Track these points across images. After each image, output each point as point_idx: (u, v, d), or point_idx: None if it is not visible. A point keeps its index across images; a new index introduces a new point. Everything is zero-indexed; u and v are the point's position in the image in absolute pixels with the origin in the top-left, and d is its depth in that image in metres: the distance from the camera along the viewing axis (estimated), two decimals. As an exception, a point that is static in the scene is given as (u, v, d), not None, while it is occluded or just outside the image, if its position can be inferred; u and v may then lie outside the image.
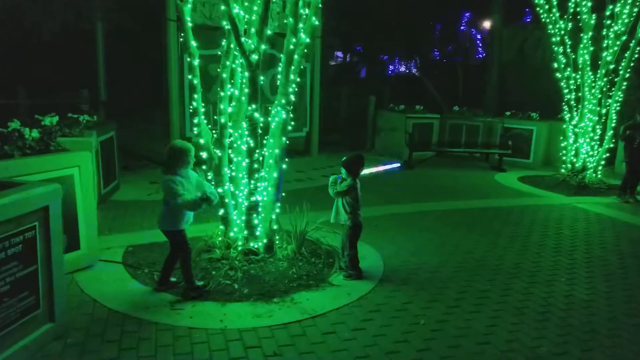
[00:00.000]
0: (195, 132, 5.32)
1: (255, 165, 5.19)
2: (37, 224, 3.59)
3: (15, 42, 12.85)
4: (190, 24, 5.05)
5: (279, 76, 5.28)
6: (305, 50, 5.38)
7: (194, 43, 5.12)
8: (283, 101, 5.28)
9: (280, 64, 5.18)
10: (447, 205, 8.50)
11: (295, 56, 5.25)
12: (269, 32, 4.99)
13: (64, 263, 3.90)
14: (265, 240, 5.53)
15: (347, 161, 5.26)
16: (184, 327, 4.17)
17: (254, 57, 4.81)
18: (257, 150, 5.19)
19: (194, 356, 3.78)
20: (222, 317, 4.36)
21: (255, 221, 5.36)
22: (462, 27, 28.62)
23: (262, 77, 5.21)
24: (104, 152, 7.94)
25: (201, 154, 5.38)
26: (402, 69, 28.52)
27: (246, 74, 4.93)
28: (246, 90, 5.01)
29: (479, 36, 28.35)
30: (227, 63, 5.13)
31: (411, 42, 19.92)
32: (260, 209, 5.41)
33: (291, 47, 5.12)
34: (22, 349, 3.54)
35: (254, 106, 5.02)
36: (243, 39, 4.71)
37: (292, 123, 11.70)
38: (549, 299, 4.98)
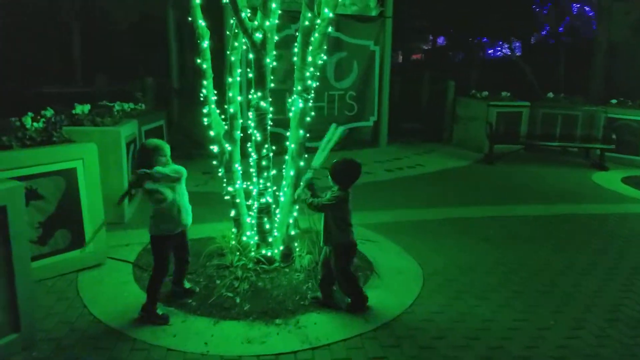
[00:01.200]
0: (206, 123, 4.73)
1: (264, 162, 4.51)
2: (-14, 227, 3.20)
3: (96, 31, 13.24)
4: (198, 1, 4.44)
5: (309, 59, 4.46)
6: (330, 28, 4.56)
7: (202, 22, 4.51)
8: (299, 87, 4.54)
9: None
10: (523, 209, 7.27)
11: (316, 34, 4.46)
12: (273, 5, 4.21)
13: (29, 269, 3.50)
14: (281, 247, 4.87)
15: (336, 168, 4.10)
16: (162, 348, 3.65)
17: (258, 35, 4.09)
18: (266, 145, 4.49)
19: (156, 389, 3.23)
20: (208, 338, 3.77)
21: (267, 226, 4.70)
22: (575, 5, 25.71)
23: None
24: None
25: (211, 147, 4.80)
26: (503, 52, 26.30)
27: (250, 55, 4.23)
28: (250, 75, 4.31)
29: (592, 14, 25.33)
30: (236, 44, 4.47)
31: (509, 22, 18.02)
32: (272, 212, 4.73)
33: (306, 23, 4.34)
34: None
35: (259, 93, 4.32)
36: (244, 14, 4.00)
37: (355, 111, 11.35)
38: (635, 346, 3.83)
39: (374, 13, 11.63)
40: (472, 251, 5.61)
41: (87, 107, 6.23)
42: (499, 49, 26.52)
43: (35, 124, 4.59)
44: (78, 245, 4.75)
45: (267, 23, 4.13)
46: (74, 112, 6.12)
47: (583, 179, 9.32)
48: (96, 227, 4.78)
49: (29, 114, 5.03)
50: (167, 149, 3.86)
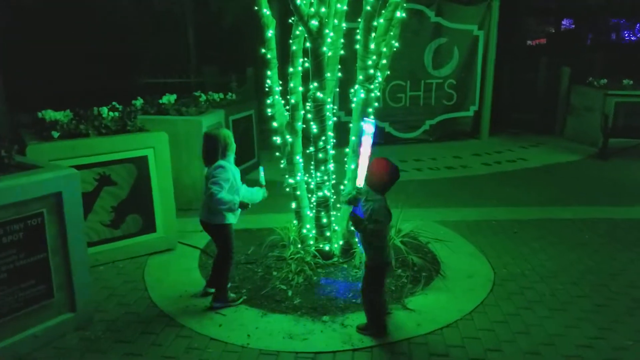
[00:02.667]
0: (270, 114, 4.70)
1: (320, 155, 4.37)
2: (44, 210, 3.43)
3: (203, 25, 13.91)
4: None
5: (371, 46, 4.21)
6: (399, 13, 4.27)
7: (267, 11, 4.46)
8: (361, 77, 4.31)
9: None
10: (633, 212, 6.38)
11: (381, 20, 4.21)
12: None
13: (85, 253, 3.73)
14: (341, 242, 4.72)
15: (370, 171, 3.50)
16: (206, 337, 3.70)
17: (314, 23, 3.94)
18: (323, 138, 4.34)
19: (189, 376, 3.27)
20: (252, 331, 3.76)
21: (325, 220, 4.57)
22: None
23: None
24: (237, 130, 7.89)
25: (275, 138, 4.76)
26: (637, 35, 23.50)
27: (307, 44, 4.09)
28: (306, 64, 4.18)
29: None
30: (297, 33, 4.35)
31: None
32: (330, 206, 4.59)
33: (368, 8, 4.09)
34: (29, 337, 3.46)
35: (316, 84, 4.17)
36: (299, 0, 3.86)
37: (453, 100, 10.68)
38: None
39: (480, -5, 10.90)
40: (560, 257, 5.03)
41: (173, 97, 6.53)
42: (639, 32, 23.71)
43: (111, 113, 4.86)
44: (149, 230, 4.99)
45: (323, 9, 3.96)
46: (160, 101, 6.45)
47: None
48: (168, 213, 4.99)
49: (114, 103, 5.38)
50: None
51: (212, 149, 3.85)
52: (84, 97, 6.50)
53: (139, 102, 6.49)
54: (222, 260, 4.06)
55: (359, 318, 3.87)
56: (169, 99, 6.48)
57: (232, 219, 4.00)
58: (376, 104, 4.68)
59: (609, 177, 8.10)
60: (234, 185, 3.87)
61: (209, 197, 3.77)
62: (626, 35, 24.18)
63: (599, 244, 5.34)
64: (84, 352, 3.50)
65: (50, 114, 4.73)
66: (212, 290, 4.15)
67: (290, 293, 4.22)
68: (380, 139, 10.44)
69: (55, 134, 4.49)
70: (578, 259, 4.99)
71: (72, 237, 3.58)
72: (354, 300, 4.13)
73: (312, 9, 3.95)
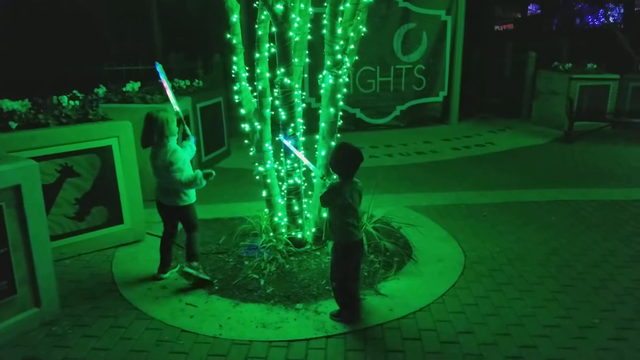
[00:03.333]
0: (237, 100, 4.62)
1: (290, 142, 4.31)
2: (3, 204, 3.29)
3: (167, 11, 13.59)
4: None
5: (338, 31, 4.16)
6: (365, -4, 4.23)
7: (230, -5, 4.36)
8: (329, 62, 4.26)
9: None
10: (597, 194, 6.53)
11: (347, 4, 4.16)
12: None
13: (48, 245, 3.60)
14: (313, 230, 4.70)
15: (332, 155, 3.59)
16: (177, 329, 3.64)
17: (279, 7, 3.86)
18: (292, 124, 4.29)
19: (160, 369, 3.21)
20: (224, 321, 3.71)
21: (296, 207, 4.53)
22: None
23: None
24: (205, 118, 7.77)
25: (243, 126, 4.68)
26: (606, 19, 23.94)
27: (273, 29, 4.01)
28: (273, 50, 4.11)
29: None
30: (263, 17, 4.26)
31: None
32: (301, 193, 4.56)
33: (334, -8, 4.04)
34: (-9, 334, 3.34)
35: (283, 69, 4.10)
36: (263, -16, 3.78)
37: (423, 85, 10.73)
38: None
39: (447, -20, 10.93)
40: (527, 239, 5.11)
41: (137, 85, 6.36)
42: (602, 17, 24.19)
43: (72, 102, 4.70)
44: (116, 222, 4.87)
45: (289, -6, 3.89)
46: (124, 89, 6.27)
47: (676, 160, 8.25)
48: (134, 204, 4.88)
49: (75, 91, 5.20)
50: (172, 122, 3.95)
51: (149, 131, 3.94)
52: (43, 86, 6.28)
53: (101, 90, 6.30)
54: (195, 234, 4.23)
55: (332, 305, 3.85)
56: (132, 86, 6.32)
57: (194, 197, 4.17)
58: (345, 90, 4.65)
59: (574, 160, 8.28)
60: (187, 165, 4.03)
61: (174, 182, 3.90)
62: (590, 20, 24.69)
63: (564, 226, 5.45)
64: (50, 347, 3.40)
65: (7, 104, 4.52)
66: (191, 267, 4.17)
67: (262, 282, 4.19)
68: (352, 125, 10.44)
69: (13, 125, 4.31)
70: (544, 240, 5.08)
71: (33, 231, 3.46)
72: (327, 287, 4.11)
73: (277, -7, 3.87)
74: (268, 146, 4.57)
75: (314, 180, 4.71)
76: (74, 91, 5.21)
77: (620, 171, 7.62)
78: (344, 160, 3.50)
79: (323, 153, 4.51)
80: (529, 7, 26.55)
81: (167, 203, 4.10)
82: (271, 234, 4.70)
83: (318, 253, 4.62)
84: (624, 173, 7.52)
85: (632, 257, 4.70)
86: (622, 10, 22.43)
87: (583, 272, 4.41)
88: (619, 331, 3.54)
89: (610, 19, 21.88)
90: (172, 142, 3.97)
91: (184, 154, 4.00)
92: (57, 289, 3.75)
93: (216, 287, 4.16)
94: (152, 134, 3.92)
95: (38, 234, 3.49)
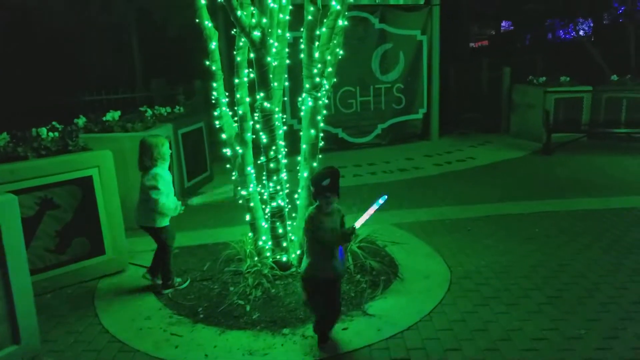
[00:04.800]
0: (218, 125, 4.62)
1: (272, 165, 4.32)
2: (-21, 240, 3.23)
3: (147, 37, 13.62)
4: (203, 1, 4.32)
5: (315, 55, 4.20)
6: (341, 21, 4.30)
7: (209, 23, 4.39)
8: (307, 85, 4.30)
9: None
10: (577, 204, 6.62)
11: (323, 29, 4.22)
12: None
13: (28, 280, 3.52)
14: (298, 252, 4.68)
15: (314, 176, 3.48)
16: (162, 360, 3.56)
17: (256, 34, 3.90)
18: (274, 147, 4.30)
19: (146, 403, 3.14)
20: (210, 350, 3.65)
21: (280, 230, 4.52)
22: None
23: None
24: (187, 144, 7.74)
25: (224, 150, 4.68)
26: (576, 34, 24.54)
27: (251, 55, 4.05)
28: (252, 75, 4.14)
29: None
30: (241, 44, 4.30)
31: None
32: (285, 216, 4.55)
33: (309, 17, 4.10)
34: (-30, 375, 3.24)
35: (262, 94, 4.13)
36: (239, 12, 3.82)
37: (402, 103, 10.85)
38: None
39: (421, 1, 11.16)
40: (512, 252, 5.15)
41: (117, 114, 6.34)
42: (572, 31, 24.78)
43: (51, 133, 4.66)
44: (97, 253, 4.80)
45: (265, 20, 3.93)
46: (104, 119, 6.24)
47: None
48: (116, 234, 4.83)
49: (54, 123, 5.16)
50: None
51: (141, 155, 4.31)
52: (20, 118, 6.22)
53: (81, 120, 6.26)
54: (162, 253, 4.51)
55: (319, 328, 3.83)
56: (113, 115, 6.28)
57: (167, 221, 4.45)
58: (326, 112, 4.70)
59: (553, 171, 8.41)
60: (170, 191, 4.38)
61: (149, 202, 4.24)
62: (561, 34, 25.28)
63: (547, 237, 5.51)
64: (31, 386, 3.32)
65: (-16, 137, 4.49)
66: (150, 277, 4.55)
67: (248, 308, 4.14)
68: (334, 144, 10.48)
69: (-8, 158, 4.27)
70: (529, 252, 5.13)
71: (12, 266, 3.38)
72: (313, 310, 4.08)
73: (254, 20, 3.90)
74: (250, 170, 4.57)
75: (298, 202, 4.71)
76: (53, 122, 5.17)
77: (599, 181, 7.75)
78: (325, 184, 3.36)
79: (305, 174, 4.51)
80: (502, 24, 27.18)
81: (144, 224, 4.40)
82: (256, 258, 4.67)
83: (304, 275, 4.59)
84: (602, 182, 7.65)
85: (614, 265, 4.76)
86: (591, 24, 23.05)
87: (568, 282, 4.45)
88: (605, 341, 3.56)
89: (581, 32, 22.42)
90: (160, 167, 4.28)
91: (168, 178, 4.33)
92: (38, 324, 3.66)
93: (201, 315, 4.10)
94: (143, 158, 4.27)
95: (17, 269, 3.42)
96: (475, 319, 3.91)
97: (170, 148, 6.88)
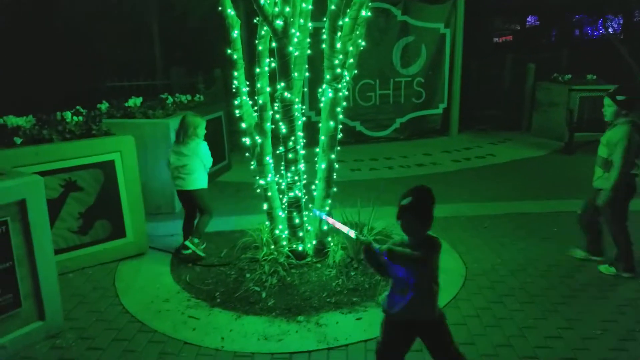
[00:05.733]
0: (238, 115, 4.68)
1: (290, 155, 4.36)
2: (8, 219, 3.34)
3: (168, 26, 13.72)
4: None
5: (337, 45, 4.23)
6: (364, 12, 4.30)
7: (231, 11, 4.43)
8: (328, 76, 4.32)
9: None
10: (597, 204, 6.55)
11: (346, 19, 4.23)
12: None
13: (52, 260, 3.64)
14: (314, 242, 4.72)
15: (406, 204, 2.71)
16: (179, 342, 3.66)
17: (279, 23, 3.93)
18: (292, 138, 4.33)
19: (163, 383, 3.23)
20: (226, 333, 3.73)
21: (297, 220, 4.56)
22: None
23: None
24: (206, 132, 7.79)
25: (244, 140, 4.74)
26: (599, 31, 24.08)
27: (273, 44, 4.08)
28: (273, 64, 4.17)
29: None
30: (263, 33, 4.33)
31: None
32: (302, 206, 4.59)
33: (333, 7, 4.10)
34: (-4, 348, 3.36)
35: (283, 84, 4.16)
36: (263, 0, 3.85)
37: (422, 98, 10.77)
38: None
39: (445, -6, 11.06)
40: (529, 250, 5.13)
41: (139, 100, 6.43)
42: (601, 28, 24.29)
43: (75, 117, 4.76)
44: (119, 236, 4.90)
45: (288, 9, 3.95)
46: (126, 104, 6.34)
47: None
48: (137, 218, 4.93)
49: (78, 107, 5.26)
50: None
51: (179, 129, 4.87)
52: (47, 103, 6.35)
53: (104, 105, 6.37)
54: (205, 217, 5.03)
55: (334, 317, 3.90)
56: (134, 102, 6.38)
57: (204, 184, 4.99)
58: (345, 104, 4.71)
59: (574, 171, 8.31)
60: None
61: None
62: (589, 31, 24.84)
63: (565, 237, 5.46)
64: (53, 361, 3.43)
65: (12, 120, 4.60)
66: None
67: (264, 294, 4.21)
68: (351, 138, 10.48)
69: (18, 140, 4.37)
70: (546, 251, 5.10)
71: (38, 244, 3.49)
72: (328, 300, 4.13)
73: (277, 9, 3.93)
74: (269, 159, 4.62)
75: (314, 194, 4.75)
76: (77, 107, 5.28)
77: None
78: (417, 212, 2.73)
79: (323, 166, 4.55)
80: (528, 19, 26.75)
81: (183, 187, 4.85)
82: (272, 246, 4.73)
83: (319, 265, 4.64)
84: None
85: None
86: (621, 21, 22.58)
87: (584, 283, 4.42)
88: (620, 342, 3.54)
89: (610, 30, 22.02)
90: (196, 141, 4.84)
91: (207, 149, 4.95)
92: (61, 302, 3.78)
93: (218, 300, 4.18)
94: (180, 132, 4.81)
95: (42, 248, 3.53)
96: (489, 315, 3.92)
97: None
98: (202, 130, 4.86)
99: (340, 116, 4.56)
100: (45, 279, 3.58)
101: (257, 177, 4.73)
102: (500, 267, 4.78)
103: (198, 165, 4.85)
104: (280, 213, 4.73)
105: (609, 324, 3.76)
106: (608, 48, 15.76)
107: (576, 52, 15.75)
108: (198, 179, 4.88)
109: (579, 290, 4.30)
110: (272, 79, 4.42)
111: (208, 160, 4.94)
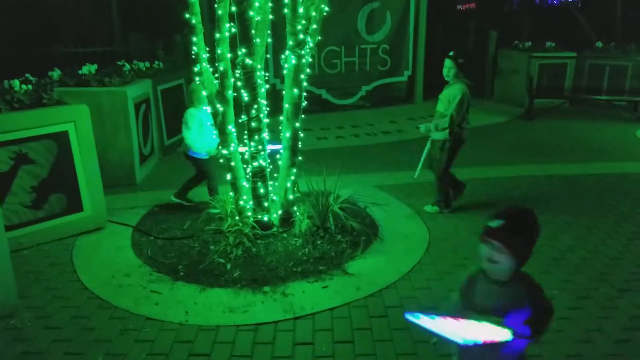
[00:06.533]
0: (198, 82, 4.51)
1: (253, 124, 4.25)
2: (-48, 194, 3.14)
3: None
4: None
5: (300, 10, 4.07)
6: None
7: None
8: (291, 42, 4.19)
9: None
10: (555, 169, 6.71)
11: (308, -18, 4.09)
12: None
13: (3, 236, 3.46)
14: (280, 212, 4.67)
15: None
16: (141, 317, 3.57)
17: (238, -15, 3.76)
18: (255, 106, 4.22)
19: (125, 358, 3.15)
20: (190, 307, 3.67)
21: (262, 190, 4.48)
22: None
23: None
24: (167, 101, 7.58)
25: (204, 108, 4.59)
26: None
27: (233, 8, 3.92)
28: (233, 30, 4.01)
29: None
30: (223, -5, 4.15)
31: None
32: (267, 176, 4.51)
33: (293, -31, 3.96)
34: (-54, 330, 3.21)
35: (244, 50, 4.02)
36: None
37: (388, 65, 10.71)
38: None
39: (409, -41, 10.89)
40: (491, 214, 5.19)
41: (94, 67, 6.14)
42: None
43: (24, 86, 4.50)
44: (75, 210, 4.72)
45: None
46: (80, 72, 6.05)
47: (626, 135, 8.51)
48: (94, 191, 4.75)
49: (27, 75, 4.98)
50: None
51: (186, 96, 5.29)
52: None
53: (56, 73, 6.06)
54: (210, 183, 5.31)
55: (300, 286, 3.88)
56: (89, 69, 6.09)
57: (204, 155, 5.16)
58: (310, 71, 4.60)
59: (535, 137, 8.46)
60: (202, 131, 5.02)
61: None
62: (549, -1, 25.06)
63: (526, 200, 5.57)
64: (9, 341, 3.29)
65: (-45, 89, 4.32)
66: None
67: (229, 266, 4.15)
68: (318, 106, 10.36)
69: (-38, 111, 4.12)
70: (507, 215, 5.18)
71: (-15, 222, 3.32)
72: (294, 269, 4.11)
73: (236, -29, 3.76)
74: (231, 128, 4.48)
75: (279, 163, 4.66)
76: (27, 75, 4.99)
77: (577, 146, 7.84)
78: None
79: (288, 135, 4.46)
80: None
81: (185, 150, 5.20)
82: (237, 217, 4.63)
83: (285, 235, 4.59)
84: (579, 147, 7.74)
85: (587, 228, 4.87)
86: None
87: (542, 244, 4.52)
88: (578, 300, 3.66)
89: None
90: (195, 107, 4.97)
91: (201, 118, 4.96)
92: (15, 280, 3.63)
93: (181, 273, 4.10)
94: (187, 98, 5.14)
95: (-9, 225, 3.35)
96: (452, 279, 3.97)
97: (149, 105, 6.79)
98: (197, 97, 4.94)
99: (305, 84, 4.45)
100: (-3, 257, 3.42)
101: (220, 147, 4.61)
102: (463, 230, 4.85)
103: (185, 132, 5.09)
104: (245, 183, 4.63)
105: (566, 284, 3.89)
106: (567, 15, 15.96)
107: (537, 20, 15.90)
108: (190, 145, 5.11)
109: (538, 251, 4.39)
110: (234, 45, 4.26)
111: (189, 127, 5.06)
